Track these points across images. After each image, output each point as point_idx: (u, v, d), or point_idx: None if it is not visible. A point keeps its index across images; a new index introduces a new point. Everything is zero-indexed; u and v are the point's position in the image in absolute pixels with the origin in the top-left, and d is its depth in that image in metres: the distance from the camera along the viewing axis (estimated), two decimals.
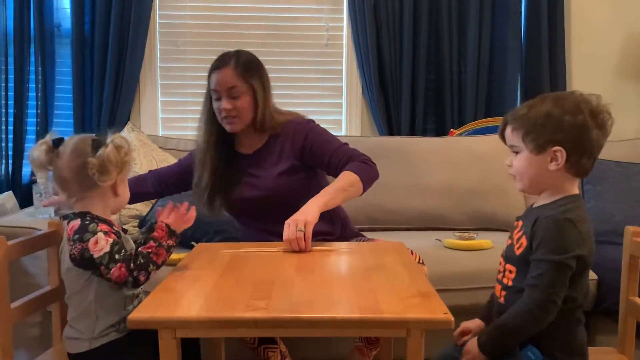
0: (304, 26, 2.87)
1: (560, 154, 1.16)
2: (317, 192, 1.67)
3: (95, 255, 1.20)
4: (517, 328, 1.16)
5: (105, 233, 1.22)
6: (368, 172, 1.69)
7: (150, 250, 1.24)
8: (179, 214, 1.35)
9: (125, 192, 1.34)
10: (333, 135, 1.80)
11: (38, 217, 2.09)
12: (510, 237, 1.28)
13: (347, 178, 1.65)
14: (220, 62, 1.73)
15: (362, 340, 1.75)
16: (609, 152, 2.61)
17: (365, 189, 1.68)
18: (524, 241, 1.20)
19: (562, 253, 1.13)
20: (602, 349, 1.49)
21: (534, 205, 1.26)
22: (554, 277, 1.13)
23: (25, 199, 2.57)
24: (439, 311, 1.05)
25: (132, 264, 1.21)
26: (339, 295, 1.16)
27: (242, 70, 1.71)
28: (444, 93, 2.82)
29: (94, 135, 1.29)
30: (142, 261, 1.23)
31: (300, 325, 1.05)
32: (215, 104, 1.74)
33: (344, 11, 2.86)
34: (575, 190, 1.22)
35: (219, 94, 1.71)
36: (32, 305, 1.40)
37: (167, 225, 1.30)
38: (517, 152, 1.22)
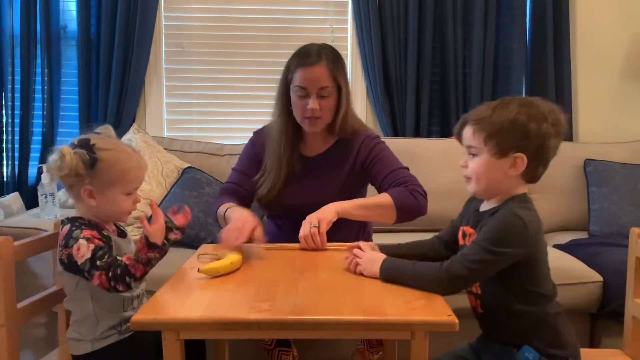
0: (309, 28, 2.87)
1: (521, 160, 1.17)
2: None
3: (79, 262, 1.20)
4: (419, 275, 1.18)
5: (88, 239, 1.21)
6: (408, 203, 1.60)
7: (128, 263, 1.19)
8: (158, 223, 1.24)
9: (106, 204, 1.27)
10: (396, 158, 1.73)
11: (44, 218, 2.11)
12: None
13: (380, 199, 1.60)
14: (311, 58, 1.62)
15: (364, 343, 1.75)
16: (614, 153, 2.64)
17: (398, 219, 1.60)
18: None
19: (499, 245, 1.14)
20: (607, 351, 1.49)
21: (481, 209, 1.26)
22: (479, 260, 1.14)
23: (31, 200, 2.58)
24: (442, 313, 1.05)
25: (110, 273, 1.18)
26: (343, 297, 1.16)
27: (333, 68, 1.64)
28: (448, 94, 2.81)
29: (85, 136, 1.28)
30: (118, 272, 1.18)
31: (304, 327, 1.05)
32: (299, 101, 1.64)
33: (349, 13, 2.86)
34: (525, 191, 1.24)
35: (306, 91, 1.62)
36: (38, 305, 1.40)
37: (146, 237, 1.20)
38: (474, 154, 1.22)
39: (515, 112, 1.16)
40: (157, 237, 1.21)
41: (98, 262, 1.18)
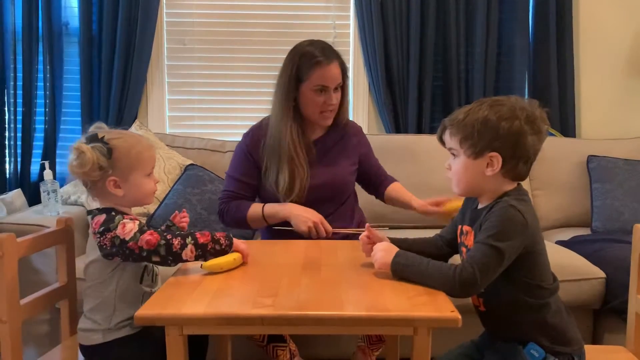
0: (311, 24, 2.86)
1: (497, 159, 1.18)
2: (353, 194, 1.90)
3: (127, 238, 1.21)
4: (430, 275, 1.17)
5: (130, 219, 1.25)
6: None
7: (198, 230, 1.28)
8: (245, 248, 1.35)
9: (132, 190, 1.30)
10: None
11: (46, 215, 2.11)
12: (464, 245, 1.29)
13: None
14: (324, 57, 1.70)
15: (365, 340, 1.75)
16: (617, 149, 2.64)
17: None
18: None
19: (502, 240, 1.14)
20: (610, 348, 1.49)
21: (478, 207, 1.27)
22: (487, 261, 1.14)
23: (33, 197, 2.59)
24: (446, 309, 1.05)
25: (165, 232, 1.24)
26: (346, 293, 1.16)
27: (342, 65, 1.75)
28: (451, 91, 2.81)
29: (90, 133, 1.29)
30: (183, 232, 1.25)
31: (306, 322, 1.05)
32: (316, 98, 1.72)
33: (351, 9, 2.85)
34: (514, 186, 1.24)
35: (326, 88, 1.71)
36: (41, 302, 1.41)
37: (230, 234, 1.31)
38: (455, 156, 1.25)
39: (487, 113, 1.18)
40: (238, 243, 1.32)
41: (145, 229, 1.23)
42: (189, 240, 1.24)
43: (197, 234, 1.26)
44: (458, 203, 1.45)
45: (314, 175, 1.77)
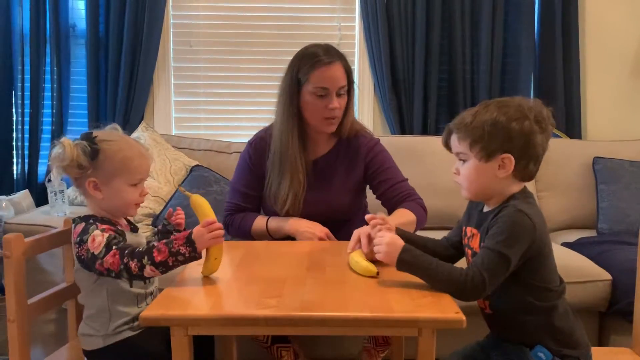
0: (317, 25, 2.87)
1: (509, 160, 1.18)
2: (362, 209, 1.77)
3: (96, 252, 1.20)
4: (438, 279, 1.16)
5: (103, 230, 1.23)
6: (422, 218, 1.71)
7: (156, 245, 1.20)
8: (207, 228, 1.21)
9: (112, 196, 1.27)
10: (397, 167, 1.80)
11: (53, 215, 2.12)
12: (469, 247, 1.28)
13: (407, 217, 1.65)
14: (326, 57, 1.62)
15: (371, 341, 1.75)
16: (623, 151, 2.63)
17: (414, 231, 1.68)
18: None
19: (510, 246, 1.13)
20: (616, 350, 1.49)
21: (484, 210, 1.26)
22: (496, 267, 1.14)
23: (40, 198, 2.60)
24: (450, 311, 1.05)
25: (126, 252, 1.19)
26: (350, 294, 1.16)
27: (347, 67, 1.66)
28: (456, 92, 2.81)
29: (89, 131, 1.30)
30: (140, 250, 1.19)
31: (311, 323, 1.06)
32: (318, 102, 1.63)
33: (356, 10, 2.86)
34: (521, 187, 1.24)
35: (327, 91, 1.62)
36: (48, 301, 1.42)
37: (190, 233, 1.20)
38: (463, 160, 1.23)
39: (495, 115, 1.17)
40: (199, 240, 1.19)
41: (114, 246, 1.20)
42: (145, 260, 1.17)
43: (155, 252, 1.17)
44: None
45: (310, 200, 1.70)
